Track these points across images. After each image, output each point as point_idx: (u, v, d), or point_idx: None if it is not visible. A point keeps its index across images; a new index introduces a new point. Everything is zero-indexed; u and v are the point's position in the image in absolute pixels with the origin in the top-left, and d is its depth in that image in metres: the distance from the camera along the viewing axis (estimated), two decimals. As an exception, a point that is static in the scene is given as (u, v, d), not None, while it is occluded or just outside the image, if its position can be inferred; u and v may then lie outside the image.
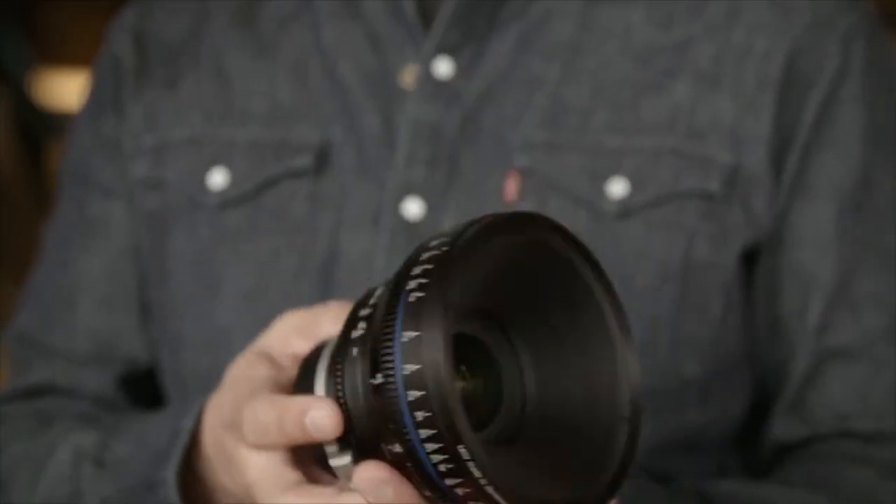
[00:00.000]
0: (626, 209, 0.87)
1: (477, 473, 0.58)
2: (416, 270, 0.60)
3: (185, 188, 0.93)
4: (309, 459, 0.69)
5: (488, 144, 0.89)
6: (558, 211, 0.87)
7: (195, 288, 0.92)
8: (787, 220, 0.89)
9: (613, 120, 0.89)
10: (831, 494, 0.83)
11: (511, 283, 0.64)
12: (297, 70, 0.93)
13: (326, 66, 0.93)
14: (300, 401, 0.67)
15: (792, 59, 0.89)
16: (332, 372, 0.65)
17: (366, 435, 0.63)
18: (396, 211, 0.88)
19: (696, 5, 0.91)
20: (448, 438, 0.58)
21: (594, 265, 0.65)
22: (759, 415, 0.92)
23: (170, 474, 0.77)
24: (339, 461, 0.66)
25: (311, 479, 0.69)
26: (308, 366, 0.69)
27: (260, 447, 0.70)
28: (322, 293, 0.87)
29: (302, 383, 0.69)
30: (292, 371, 0.72)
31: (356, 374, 0.63)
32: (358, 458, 0.64)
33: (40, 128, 3.46)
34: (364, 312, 0.64)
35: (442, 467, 0.59)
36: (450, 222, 0.87)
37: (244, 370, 0.73)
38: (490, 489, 0.59)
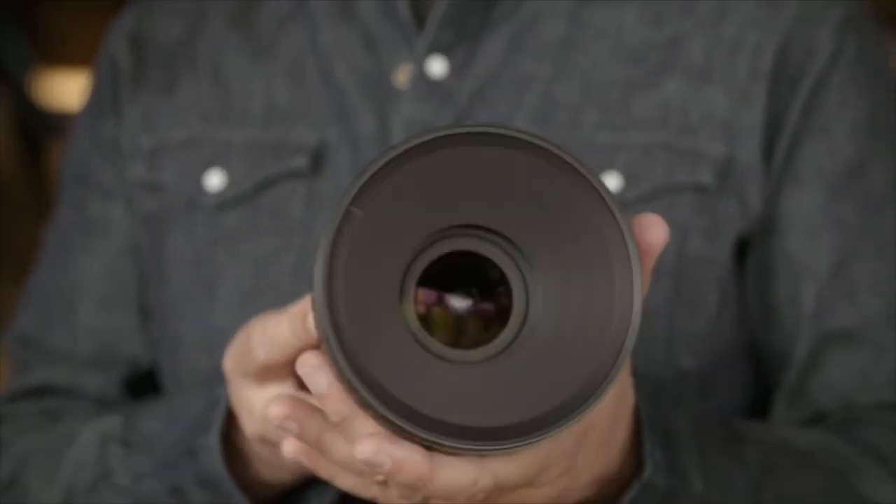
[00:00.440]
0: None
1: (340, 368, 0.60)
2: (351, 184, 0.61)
3: (182, 190, 0.94)
4: None
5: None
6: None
7: (193, 288, 0.92)
8: (777, 207, 0.89)
9: (604, 117, 0.89)
10: (846, 440, 0.84)
11: (515, 202, 0.63)
12: (294, 71, 0.94)
13: (322, 67, 0.93)
14: (300, 306, 0.68)
15: (783, 51, 0.89)
16: None
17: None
18: None
19: (687, 4, 0.91)
20: (322, 329, 0.60)
21: (603, 192, 0.64)
22: (762, 409, 0.93)
23: (213, 438, 0.78)
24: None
25: None
26: None
27: (269, 363, 0.71)
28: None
29: None
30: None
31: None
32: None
33: (40, 128, 3.46)
34: None
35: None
36: None
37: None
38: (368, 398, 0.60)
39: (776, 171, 0.89)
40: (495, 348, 0.63)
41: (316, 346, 0.66)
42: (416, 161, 0.61)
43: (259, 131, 0.93)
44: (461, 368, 0.62)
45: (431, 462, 0.62)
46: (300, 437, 0.68)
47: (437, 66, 0.91)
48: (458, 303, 0.64)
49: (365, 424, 0.63)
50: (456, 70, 0.91)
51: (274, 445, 0.74)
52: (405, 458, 0.62)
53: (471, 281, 0.64)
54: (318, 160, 0.91)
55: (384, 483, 0.66)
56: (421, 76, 0.90)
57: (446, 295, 0.64)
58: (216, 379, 0.80)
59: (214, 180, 0.93)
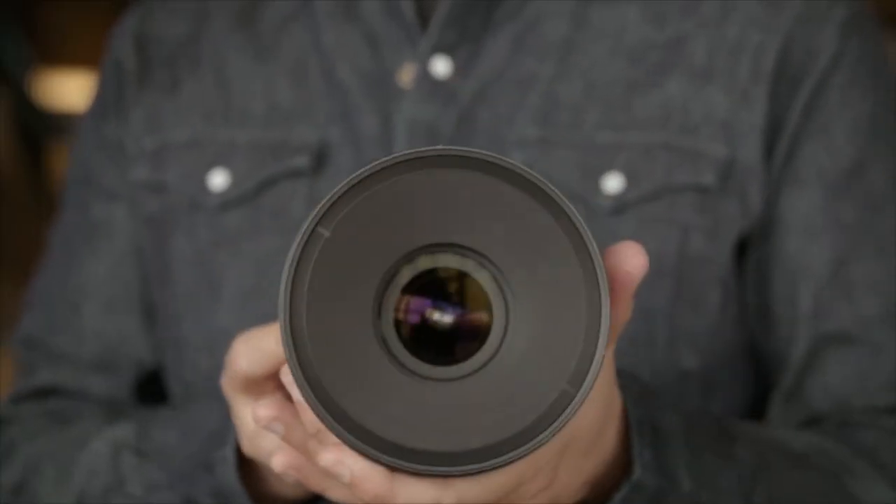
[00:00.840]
0: (620, 204, 0.88)
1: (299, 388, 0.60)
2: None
3: (185, 190, 0.94)
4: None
5: (483, 143, 0.89)
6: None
7: (196, 289, 0.92)
8: (777, 207, 0.89)
9: (606, 117, 0.89)
10: (840, 441, 0.84)
11: (489, 223, 0.63)
12: (297, 71, 0.94)
13: (325, 67, 0.94)
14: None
15: (785, 52, 0.89)
16: None
17: None
18: None
19: (689, 4, 0.91)
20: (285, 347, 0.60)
21: (574, 218, 0.63)
22: (761, 409, 0.93)
23: (229, 452, 0.78)
24: None
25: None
26: None
27: (252, 374, 0.71)
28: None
29: None
30: None
31: None
32: None
33: (40, 128, 3.47)
34: None
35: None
36: None
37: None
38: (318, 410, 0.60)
39: (776, 171, 0.89)
40: (471, 366, 0.63)
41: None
42: (386, 182, 0.61)
43: (261, 131, 0.93)
44: (433, 386, 0.62)
45: (391, 481, 0.62)
46: (287, 439, 0.68)
47: (440, 66, 0.91)
48: (442, 317, 0.64)
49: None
50: (459, 70, 0.91)
51: (269, 457, 0.74)
52: (364, 474, 0.62)
53: (452, 298, 0.64)
54: (319, 160, 0.91)
55: None
56: (424, 76, 0.90)
57: (429, 309, 0.63)
58: (218, 381, 0.79)
59: (218, 180, 0.93)
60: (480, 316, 0.63)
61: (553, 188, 0.62)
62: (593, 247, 0.62)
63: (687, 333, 0.88)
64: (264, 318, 0.77)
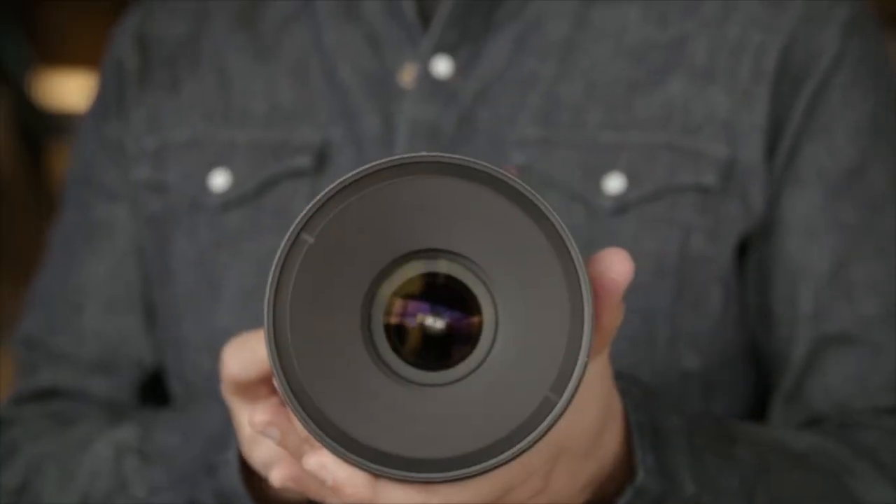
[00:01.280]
0: (622, 204, 0.88)
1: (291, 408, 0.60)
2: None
3: (186, 190, 0.94)
4: None
5: (484, 143, 0.89)
6: (554, 207, 0.87)
7: (196, 289, 0.92)
8: (777, 208, 0.89)
9: (607, 117, 0.89)
10: (841, 442, 0.84)
11: (476, 230, 0.62)
12: (298, 71, 0.94)
13: (326, 67, 0.93)
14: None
15: (786, 52, 0.89)
16: None
17: None
18: None
19: (691, 4, 0.91)
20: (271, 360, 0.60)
21: (558, 226, 0.63)
22: (762, 410, 0.92)
23: (232, 455, 0.77)
24: None
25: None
26: None
27: (242, 378, 0.71)
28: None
29: None
30: None
31: None
32: None
33: (40, 128, 3.47)
34: None
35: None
36: None
37: None
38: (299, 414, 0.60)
39: (777, 171, 0.89)
40: (458, 372, 0.63)
41: None
42: (369, 189, 0.61)
43: (262, 131, 0.93)
44: (419, 392, 0.62)
45: (374, 487, 0.62)
46: (282, 444, 0.68)
47: (441, 66, 0.91)
48: (434, 321, 0.63)
49: None
50: (460, 70, 0.91)
51: (263, 467, 0.74)
52: (346, 479, 0.62)
53: (442, 302, 0.63)
54: (321, 159, 0.91)
55: None
56: (426, 76, 0.90)
57: (421, 313, 0.63)
58: (219, 381, 0.79)
59: (219, 180, 0.93)
60: (471, 321, 0.63)
61: (536, 195, 0.62)
62: (576, 254, 0.62)
63: (688, 334, 0.88)
64: None
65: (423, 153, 0.61)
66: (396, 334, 0.62)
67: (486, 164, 0.61)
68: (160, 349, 0.95)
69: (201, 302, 0.92)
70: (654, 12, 0.91)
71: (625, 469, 0.72)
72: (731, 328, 0.89)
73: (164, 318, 0.94)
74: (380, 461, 0.61)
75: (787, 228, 0.89)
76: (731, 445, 0.77)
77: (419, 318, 0.63)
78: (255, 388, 0.71)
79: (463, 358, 0.63)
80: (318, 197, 0.61)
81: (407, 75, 0.91)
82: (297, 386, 0.60)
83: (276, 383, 0.60)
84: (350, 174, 0.61)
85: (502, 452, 0.61)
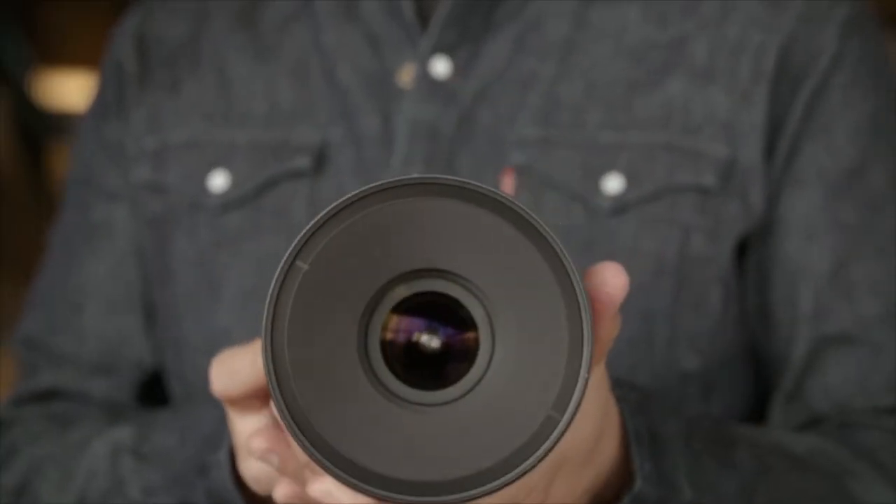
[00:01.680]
0: (621, 205, 0.88)
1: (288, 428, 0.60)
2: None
3: (186, 191, 0.93)
4: None
5: (484, 143, 0.89)
6: (553, 207, 0.87)
7: (196, 289, 0.92)
8: (777, 208, 0.89)
9: (607, 117, 0.89)
10: (840, 443, 0.84)
11: (472, 249, 0.62)
12: (297, 71, 0.94)
13: (325, 67, 0.93)
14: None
15: (785, 52, 0.89)
16: None
17: None
18: None
19: (690, 4, 0.91)
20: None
21: (555, 244, 0.62)
22: (761, 412, 0.92)
23: (223, 455, 0.77)
24: None
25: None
26: None
27: (230, 398, 0.70)
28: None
29: None
30: None
31: None
32: None
33: (40, 128, 3.46)
34: None
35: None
36: None
37: None
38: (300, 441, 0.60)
39: (777, 171, 0.89)
40: (457, 391, 0.62)
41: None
42: (363, 212, 0.61)
43: (262, 131, 0.93)
44: (419, 413, 0.62)
45: None
46: (282, 471, 0.68)
47: (440, 66, 0.91)
48: (430, 340, 0.63)
49: None
50: (459, 70, 0.91)
51: (255, 482, 0.75)
52: None
53: (440, 321, 0.63)
54: (321, 160, 0.91)
55: None
56: (424, 76, 0.90)
57: (418, 332, 0.63)
58: None
59: (218, 181, 0.93)
60: (468, 339, 0.63)
61: (531, 213, 0.62)
62: (573, 271, 0.61)
63: (687, 334, 0.88)
64: None
65: (415, 176, 0.61)
66: (393, 354, 0.62)
67: (480, 184, 0.61)
68: (160, 349, 0.95)
69: (201, 302, 0.92)
70: (654, 12, 0.91)
71: (622, 475, 0.72)
72: (730, 328, 0.89)
73: (164, 319, 0.94)
74: (386, 487, 0.61)
75: (786, 229, 0.89)
76: (729, 448, 0.77)
77: (415, 336, 0.63)
78: (245, 401, 0.71)
79: (461, 376, 0.62)
80: (311, 222, 0.61)
81: (406, 75, 0.91)
82: (299, 414, 0.60)
83: (275, 411, 0.60)
84: (343, 199, 0.61)
85: (506, 473, 0.61)
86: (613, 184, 0.88)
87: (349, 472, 0.60)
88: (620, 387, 0.71)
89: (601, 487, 0.71)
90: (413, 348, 0.63)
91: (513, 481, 0.61)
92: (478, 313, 0.63)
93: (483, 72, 0.91)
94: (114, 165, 0.97)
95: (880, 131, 0.91)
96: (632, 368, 0.87)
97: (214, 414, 0.79)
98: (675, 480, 0.73)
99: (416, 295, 0.62)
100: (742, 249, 0.89)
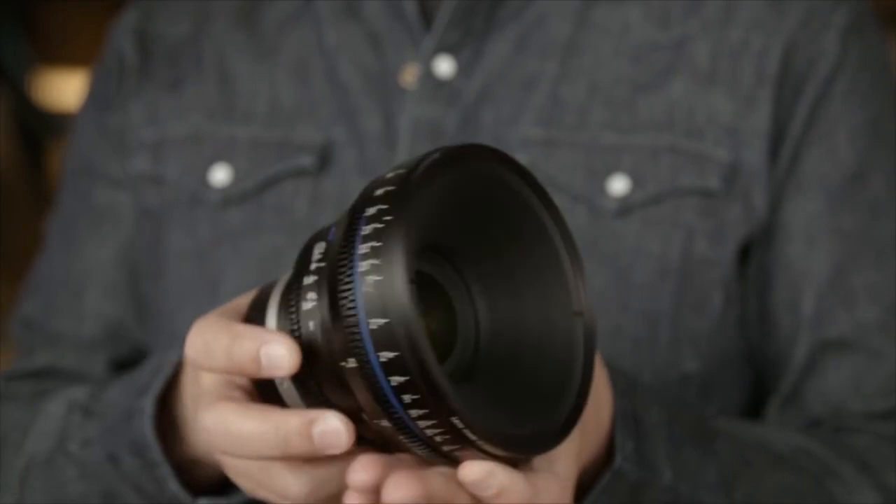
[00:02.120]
0: (626, 206, 0.87)
1: (442, 403, 0.57)
2: (373, 200, 0.59)
3: (185, 184, 0.93)
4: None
5: (487, 143, 0.89)
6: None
7: (194, 284, 0.92)
8: (779, 214, 0.89)
9: (610, 118, 0.89)
10: (826, 444, 0.84)
11: (459, 218, 0.63)
12: (299, 71, 0.94)
13: (327, 66, 0.93)
14: (256, 332, 0.63)
15: (788, 55, 0.89)
16: (286, 306, 0.63)
17: (319, 368, 0.61)
18: None
19: (693, 4, 0.91)
20: (413, 368, 0.57)
21: (545, 199, 0.64)
22: (758, 414, 0.92)
23: (147, 402, 0.75)
24: (288, 389, 0.64)
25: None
26: (259, 300, 0.66)
27: (203, 369, 0.66)
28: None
29: (253, 317, 0.66)
30: None
31: (311, 305, 0.61)
32: (306, 393, 0.63)
33: (40, 128, 3.46)
34: (319, 248, 0.62)
35: (406, 398, 0.58)
36: None
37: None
38: (455, 420, 0.58)
39: (779, 176, 0.89)
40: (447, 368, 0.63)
41: (252, 377, 0.64)
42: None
43: (263, 129, 0.93)
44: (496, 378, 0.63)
45: (535, 487, 0.62)
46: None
47: (444, 66, 0.90)
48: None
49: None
50: (462, 69, 0.91)
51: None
52: (510, 483, 0.61)
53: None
54: (324, 159, 0.91)
55: None
56: (428, 75, 0.90)
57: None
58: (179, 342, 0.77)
59: (220, 175, 0.92)
60: (443, 320, 0.64)
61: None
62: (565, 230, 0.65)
63: (689, 335, 0.88)
64: None
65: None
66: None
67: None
68: (151, 342, 0.94)
69: (198, 298, 0.91)
70: (655, 13, 0.91)
71: (606, 455, 0.73)
72: (730, 331, 0.89)
73: (156, 312, 0.94)
74: (528, 446, 0.61)
75: (788, 234, 0.89)
76: (711, 440, 0.78)
77: None
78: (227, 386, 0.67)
79: (449, 355, 0.64)
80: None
81: (409, 75, 0.91)
82: (461, 405, 0.58)
83: (458, 420, 0.58)
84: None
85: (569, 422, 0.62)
86: (619, 185, 0.88)
87: (500, 442, 0.59)
88: (612, 372, 0.72)
89: (590, 465, 0.72)
90: None
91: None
92: (456, 294, 0.64)
93: (485, 71, 0.91)
94: (116, 154, 0.96)
95: (880, 138, 0.91)
96: (635, 368, 0.86)
97: (154, 362, 0.78)
98: (655, 462, 0.73)
99: None
100: (744, 253, 0.89)
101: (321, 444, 0.62)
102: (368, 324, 0.57)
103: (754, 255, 0.89)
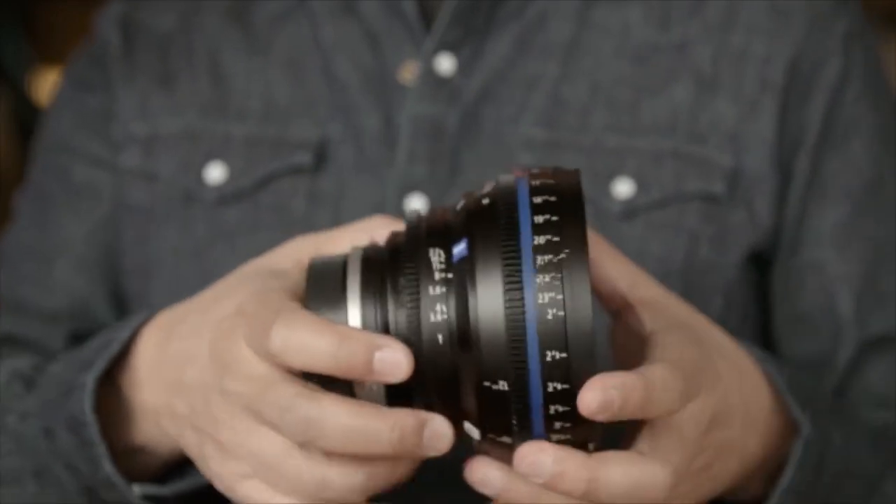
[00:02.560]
0: (630, 209, 0.87)
1: (589, 425, 0.59)
2: (537, 229, 0.60)
3: (180, 182, 0.92)
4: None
5: (488, 142, 0.89)
6: None
7: (190, 283, 0.90)
8: (804, 221, 0.89)
9: (612, 120, 0.89)
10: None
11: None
12: (293, 67, 0.93)
13: (323, 63, 0.93)
14: (365, 336, 0.61)
15: (793, 64, 0.90)
16: (380, 305, 0.63)
17: (432, 378, 0.62)
18: (400, 207, 0.88)
19: (693, 7, 0.91)
20: (577, 383, 0.58)
21: None
22: None
23: (89, 378, 0.73)
24: (376, 391, 0.63)
25: None
26: (323, 290, 0.64)
27: (286, 364, 0.62)
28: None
29: (319, 308, 0.64)
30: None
31: (440, 318, 0.61)
32: (396, 396, 0.63)
33: (40, 127, 3.45)
34: (438, 255, 0.62)
35: (557, 424, 0.59)
36: None
37: (243, 277, 0.69)
38: (591, 446, 0.60)
39: (800, 186, 0.89)
40: None
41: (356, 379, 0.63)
42: None
43: (258, 127, 0.92)
44: None
45: (597, 466, 0.62)
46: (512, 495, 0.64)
47: (445, 64, 0.90)
48: None
49: None
50: (463, 67, 0.90)
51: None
52: (566, 458, 0.61)
53: None
54: (320, 156, 0.91)
55: None
56: (428, 73, 0.90)
57: None
58: (131, 318, 0.76)
59: (215, 173, 0.92)
60: None
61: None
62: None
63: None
64: None
65: None
66: None
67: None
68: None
69: (194, 295, 0.90)
70: (655, 14, 0.91)
71: (779, 433, 0.73)
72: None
73: (144, 308, 0.92)
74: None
75: (816, 240, 0.90)
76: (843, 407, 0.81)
77: None
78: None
79: None
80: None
81: (407, 73, 0.91)
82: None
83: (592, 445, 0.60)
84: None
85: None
86: (624, 188, 0.87)
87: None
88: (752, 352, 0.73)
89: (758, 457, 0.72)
90: None
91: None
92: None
93: (486, 70, 0.90)
94: (96, 135, 0.95)
95: (891, 141, 0.93)
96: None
97: (101, 339, 0.76)
98: (827, 428, 0.73)
99: None
100: (756, 262, 0.89)
101: (429, 443, 0.62)
102: (545, 355, 0.59)
103: (779, 263, 0.90)
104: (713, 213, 0.88)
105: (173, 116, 0.94)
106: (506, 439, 0.61)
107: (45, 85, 3.60)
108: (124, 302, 0.94)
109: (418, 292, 0.62)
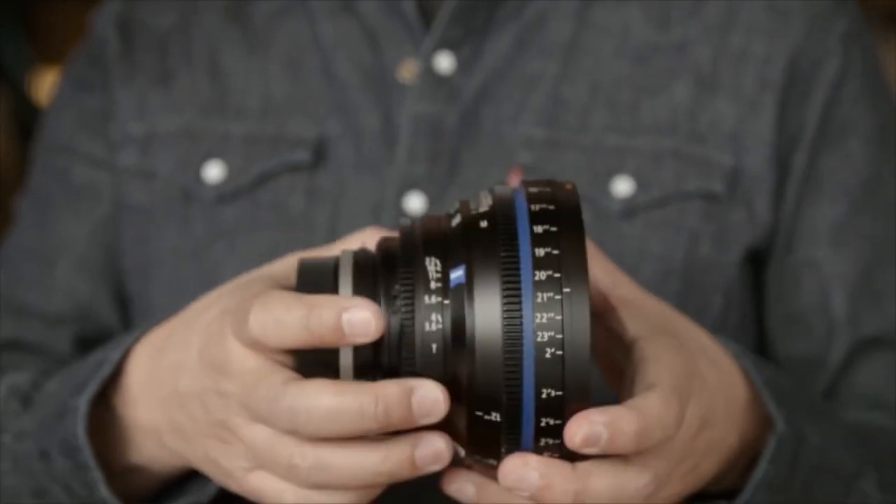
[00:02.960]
0: (630, 208, 0.87)
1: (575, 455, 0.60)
2: (538, 263, 0.59)
3: (178, 181, 0.92)
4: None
5: (487, 141, 0.89)
6: None
7: (190, 282, 0.90)
8: (800, 219, 0.89)
9: (612, 119, 0.89)
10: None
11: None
12: (291, 65, 0.93)
13: (322, 61, 0.93)
14: (332, 299, 0.61)
15: (793, 64, 0.90)
16: (369, 297, 0.62)
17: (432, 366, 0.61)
18: (399, 205, 0.88)
19: (693, 7, 0.91)
20: (574, 398, 0.58)
21: None
22: None
23: (82, 402, 0.72)
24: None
25: None
26: (316, 279, 0.64)
27: (268, 346, 0.62)
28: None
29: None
30: None
31: (434, 328, 0.61)
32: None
33: (40, 127, 3.45)
34: (433, 263, 0.62)
35: (545, 441, 0.59)
36: None
37: (233, 286, 0.69)
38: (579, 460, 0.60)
39: (796, 184, 0.89)
40: None
41: (330, 345, 0.62)
42: None
43: (257, 124, 0.92)
44: None
45: (583, 476, 0.62)
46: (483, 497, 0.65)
47: (444, 62, 0.90)
48: None
49: None
50: (462, 66, 0.90)
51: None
52: (553, 470, 0.61)
53: None
54: (319, 154, 0.91)
55: None
56: (428, 72, 0.90)
57: None
58: (122, 338, 0.75)
59: (213, 172, 0.92)
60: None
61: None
62: None
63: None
64: None
65: None
66: None
67: None
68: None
69: (194, 295, 0.90)
70: (655, 14, 0.91)
71: (754, 430, 0.73)
72: (729, 334, 0.89)
73: (143, 309, 0.92)
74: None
75: (812, 238, 0.89)
76: (829, 406, 0.80)
77: None
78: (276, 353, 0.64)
79: None
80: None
81: (406, 71, 0.91)
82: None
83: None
84: None
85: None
86: (623, 187, 0.87)
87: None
88: (730, 347, 0.73)
89: (734, 449, 0.71)
90: None
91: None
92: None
93: (485, 70, 0.90)
94: (95, 135, 0.95)
95: (889, 139, 0.93)
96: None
97: (95, 358, 0.75)
98: (801, 427, 0.73)
99: None
100: (753, 260, 0.89)
101: (419, 411, 0.60)
102: (540, 393, 0.59)
103: (774, 261, 0.90)
104: (713, 211, 0.88)
105: (172, 115, 0.94)
106: (492, 461, 0.61)
107: (45, 85, 3.60)
108: (127, 302, 0.94)
109: (413, 300, 0.61)
